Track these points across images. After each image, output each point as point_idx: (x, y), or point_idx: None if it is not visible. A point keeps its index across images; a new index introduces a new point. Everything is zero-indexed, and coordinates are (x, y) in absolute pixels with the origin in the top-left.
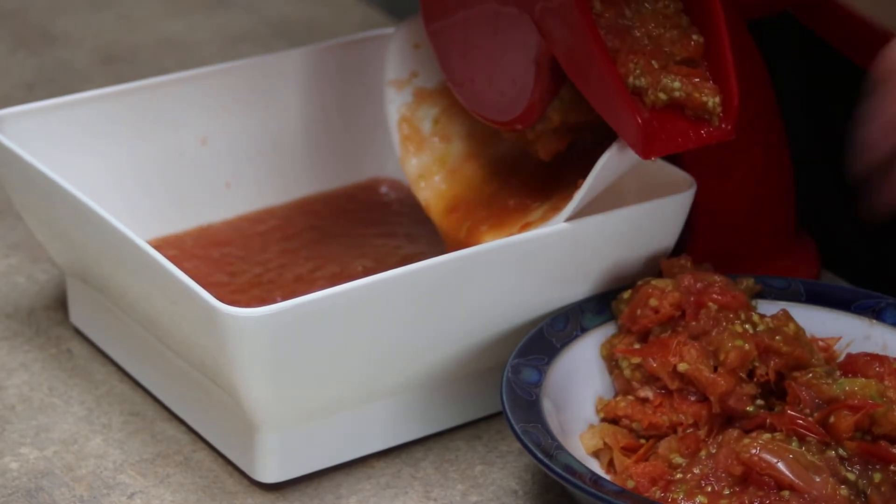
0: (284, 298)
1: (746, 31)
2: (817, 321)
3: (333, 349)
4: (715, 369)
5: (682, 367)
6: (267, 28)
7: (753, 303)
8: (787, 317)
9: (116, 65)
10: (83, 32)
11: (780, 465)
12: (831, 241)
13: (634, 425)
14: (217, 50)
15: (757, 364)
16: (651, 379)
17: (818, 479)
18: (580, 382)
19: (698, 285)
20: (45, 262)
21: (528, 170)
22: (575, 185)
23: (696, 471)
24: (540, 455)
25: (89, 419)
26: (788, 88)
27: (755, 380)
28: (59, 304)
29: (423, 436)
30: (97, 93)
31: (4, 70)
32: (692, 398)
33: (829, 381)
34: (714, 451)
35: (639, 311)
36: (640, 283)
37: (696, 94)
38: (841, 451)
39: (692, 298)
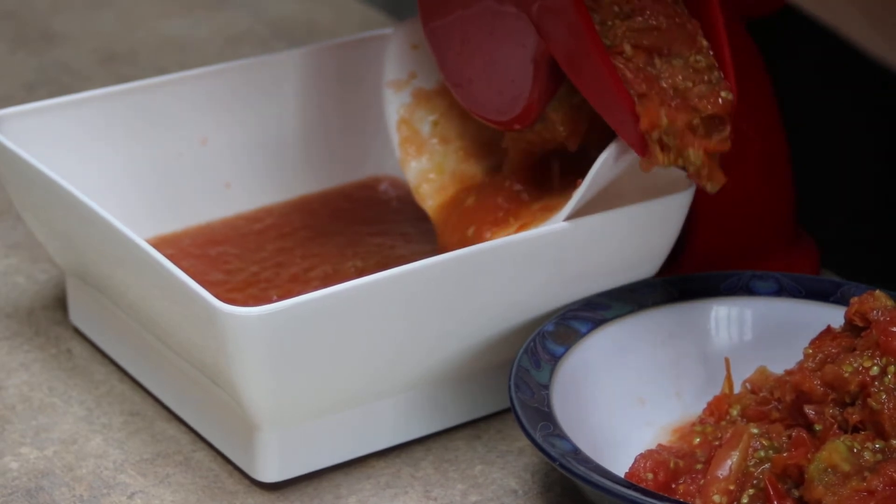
0: (280, 297)
1: (746, 31)
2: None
3: (334, 348)
4: None
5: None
6: (267, 28)
7: None
8: None
9: (116, 65)
10: (83, 32)
11: None
12: (831, 240)
13: (699, 454)
14: (217, 50)
15: None
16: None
17: None
18: (590, 380)
19: None
20: (45, 262)
21: (528, 170)
22: (573, 185)
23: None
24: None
25: (89, 419)
26: (788, 88)
27: None
28: (59, 304)
29: (423, 435)
30: (97, 93)
31: (4, 70)
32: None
33: None
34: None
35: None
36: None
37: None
38: None
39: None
